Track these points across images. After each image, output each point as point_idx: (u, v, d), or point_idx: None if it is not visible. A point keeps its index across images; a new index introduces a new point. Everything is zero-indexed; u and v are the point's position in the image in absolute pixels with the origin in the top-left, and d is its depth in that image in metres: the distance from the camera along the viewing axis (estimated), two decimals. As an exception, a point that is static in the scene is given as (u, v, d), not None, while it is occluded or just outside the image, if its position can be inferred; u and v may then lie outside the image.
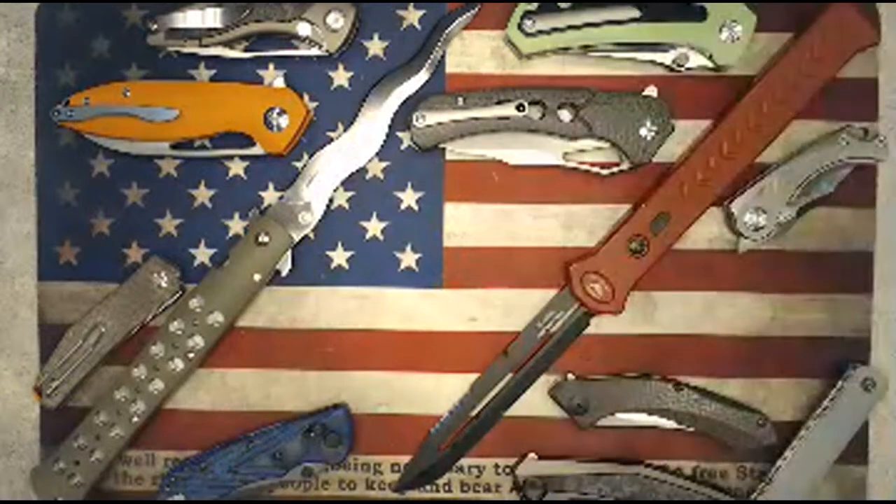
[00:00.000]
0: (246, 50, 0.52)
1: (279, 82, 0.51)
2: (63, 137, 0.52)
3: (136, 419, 0.51)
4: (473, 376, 0.53)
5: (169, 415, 0.53)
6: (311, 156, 0.52)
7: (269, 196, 0.52)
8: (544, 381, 0.52)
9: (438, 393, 0.53)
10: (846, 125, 0.50)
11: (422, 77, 0.51)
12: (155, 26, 0.51)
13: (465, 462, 0.53)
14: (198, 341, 0.51)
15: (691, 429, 0.51)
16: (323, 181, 0.51)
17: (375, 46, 0.52)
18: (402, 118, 0.52)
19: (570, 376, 0.52)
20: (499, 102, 0.49)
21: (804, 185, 0.50)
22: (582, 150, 0.51)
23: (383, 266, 0.52)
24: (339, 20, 0.50)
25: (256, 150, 0.51)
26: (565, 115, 0.49)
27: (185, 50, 0.51)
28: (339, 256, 0.52)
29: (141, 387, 0.51)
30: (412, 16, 0.52)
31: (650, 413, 0.51)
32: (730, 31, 0.49)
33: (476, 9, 0.51)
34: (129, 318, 0.51)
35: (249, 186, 0.53)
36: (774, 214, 0.50)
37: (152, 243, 0.53)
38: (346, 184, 0.52)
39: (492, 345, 0.52)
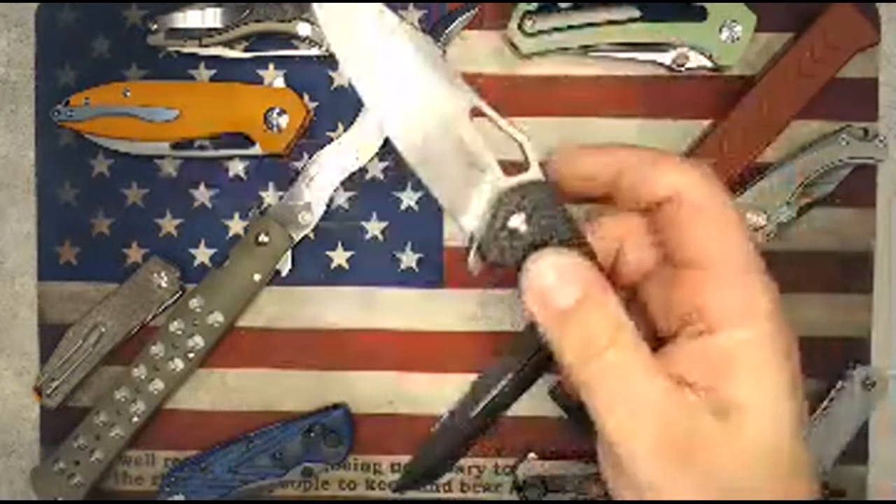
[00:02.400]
0: (246, 50, 0.52)
1: (279, 82, 0.51)
2: (63, 137, 0.52)
3: (136, 419, 0.51)
4: (473, 376, 0.52)
5: (169, 415, 0.53)
6: (311, 156, 0.52)
7: (269, 196, 0.52)
8: (544, 381, 0.52)
9: (438, 393, 0.53)
10: (846, 125, 0.50)
11: (422, 77, 0.51)
12: (155, 26, 0.51)
13: (465, 462, 0.53)
14: (198, 341, 0.51)
15: (691, 429, 0.51)
16: (323, 181, 0.51)
17: (375, 46, 0.52)
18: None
19: (570, 376, 0.52)
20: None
21: (804, 185, 0.50)
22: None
23: (383, 266, 0.52)
24: (339, 20, 0.50)
25: (256, 150, 0.51)
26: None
27: (185, 50, 0.51)
28: (339, 256, 0.52)
29: (141, 387, 0.51)
30: (412, 16, 0.52)
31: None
32: (730, 31, 0.49)
33: (476, 9, 0.51)
34: (129, 318, 0.51)
35: (249, 186, 0.53)
36: (774, 214, 0.50)
37: (152, 243, 0.53)
38: (346, 184, 0.52)
39: (492, 345, 0.52)
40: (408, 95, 0.28)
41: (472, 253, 0.29)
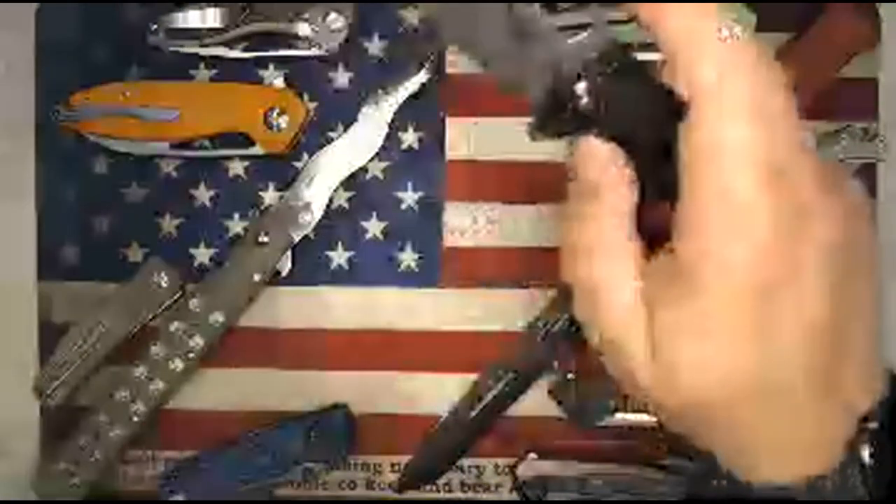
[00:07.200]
0: (246, 50, 0.52)
1: (279, 82, 0.51)
2: (63, 137, 0.52)
3: (136, 419, 0.51)
4: (473, 376, 0.53)
5: (169, 415, 0.53)
6: (311, 156, 0.52)
7: (269, 196, 0.52)
8: (544, 381, 0.52)
9: (438, 393, 0.53)
10: (846, 125, 0.50)
11: (422, 77, 0.51)
12: (155, 26, 0.51)
13: (465, 462, 0.53)
14: (198, 341, 0.51)
15: (691, 429, 0.51)
16: (323, 181, 0.51)
17: (375, 46, 0.52)
18: (402, 118, 0.52)
19: (570, 376, 0.52)
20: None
21: (804, 185, 0.50)
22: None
23: (383, 266, 0.52)
24: (339, 20, 0.50)
25: (256, 150, 0.51)
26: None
27: (185, 50, 0.51)
28: (339, 256, 0.52)
29: (141, 387, 0.51)
30: (412, 16, 0.52)
31: (651, 413, 0.51)
32: (729, 32, 0.49)
33: (476, 9, 0.51)
34: (129, 318, 0.51)
35: (249, 186, 0.53)
36: (774, 214, 0.50)
37: (152, 243, 0.53)
38: (346, 184, 0.52)
39: (492, 345, 0.52)
40: None
41: (532, 125, 0.27)
